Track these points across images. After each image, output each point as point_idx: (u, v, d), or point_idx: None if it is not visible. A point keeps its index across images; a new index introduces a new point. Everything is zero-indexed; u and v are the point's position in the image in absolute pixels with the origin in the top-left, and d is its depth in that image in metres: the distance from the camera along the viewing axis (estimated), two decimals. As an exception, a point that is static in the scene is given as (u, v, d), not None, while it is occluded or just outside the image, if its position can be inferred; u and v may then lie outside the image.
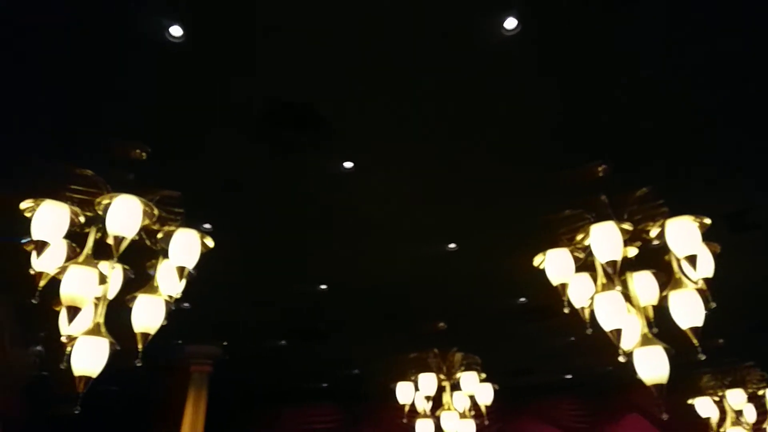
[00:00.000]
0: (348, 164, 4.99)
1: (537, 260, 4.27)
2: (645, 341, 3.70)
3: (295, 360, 10.06)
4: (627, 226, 3.88)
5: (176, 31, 3.74)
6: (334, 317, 8.37)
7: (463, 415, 6.77)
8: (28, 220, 3.58)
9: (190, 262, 3.87)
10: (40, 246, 3.54)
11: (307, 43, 3.89)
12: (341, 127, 4.61)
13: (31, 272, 3.63)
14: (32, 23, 3.73)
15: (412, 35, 3.84)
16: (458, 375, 6.87)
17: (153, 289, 3.92)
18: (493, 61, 4.04)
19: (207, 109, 4.43)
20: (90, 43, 3.86)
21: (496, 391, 6.92)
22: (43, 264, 3.65)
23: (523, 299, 7.72)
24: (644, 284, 4.00)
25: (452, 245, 6.44)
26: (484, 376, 6.89)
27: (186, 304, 4.09)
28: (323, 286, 7.34)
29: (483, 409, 6.86)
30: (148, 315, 3.85)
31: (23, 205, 3.62)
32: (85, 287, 3.54)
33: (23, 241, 3.69)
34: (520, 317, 8.15)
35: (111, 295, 3.82)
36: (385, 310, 8.04)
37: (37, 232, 3.53)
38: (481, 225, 6.07)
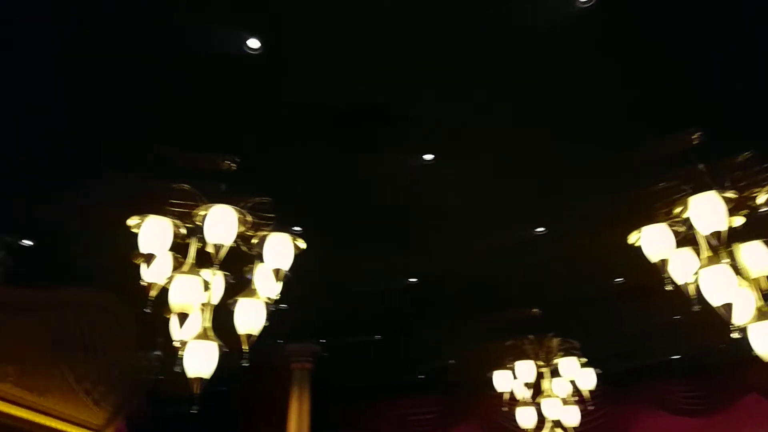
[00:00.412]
0: (428, 156, 5.00)
1: (632, 238, 4.09)
2: (760, 315, 3.46)
3: (391, 353, 10.18)
4: (730, 195, 3.63)
5: (254, 43, 3.90)
6: (426, 309, 8.41)
7: (565, 401, 6.60)
8: (135, 236, 3.83)
9: (285, 264, 4.00)
10: (148, 258, 3.77)
11: (378, 43, 3.93)
12: (418, 121, 4.62)
13: (142, 284, 3.87)
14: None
15: (482, 19, 3.80)
16: (556, 361, 6.71)
17: (252, 293, 4.08)
18: (568, 39, 3.92)
19: (286, 114, 4.58)
20: (175, 63, 4.09)
21: (598, 376, 6.70)
22: (153, 275, 3.89)
23: (619, 279, 7.42)
24: (755, 254, 3.74)
25: (540, 229, 6.29)
26: (584, 360, 6.68)
27: (284, 305, 4.20)
28: (413, 279, 7.39)
29: (586, 394, 6.67)
30: (250, 317, 4.02)
31: (130, 221, 3.86)
32: (191, 294, 3.75)
33: (133, 255, 3.93)
34: (618, 298, 7.83)
35: (215, 301, 4.04)
36: (476, 299, 7.98)
37: (144, 246, 3.77)
38: (570, 206, 5.90)
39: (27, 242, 4.57)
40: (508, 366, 6.79)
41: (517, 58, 4.13)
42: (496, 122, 4.72)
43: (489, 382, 6.91)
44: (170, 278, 3.77)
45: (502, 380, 6.83)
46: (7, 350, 1.85)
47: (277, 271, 3.99)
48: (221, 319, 3.88)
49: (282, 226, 4.07)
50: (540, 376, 6.69)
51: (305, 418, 9.46)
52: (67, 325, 1.95)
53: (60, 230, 6.09)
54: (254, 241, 4.11)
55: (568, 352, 6.69)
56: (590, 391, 6.66)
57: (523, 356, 6.70)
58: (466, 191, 5.62)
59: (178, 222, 3.95)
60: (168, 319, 3.88)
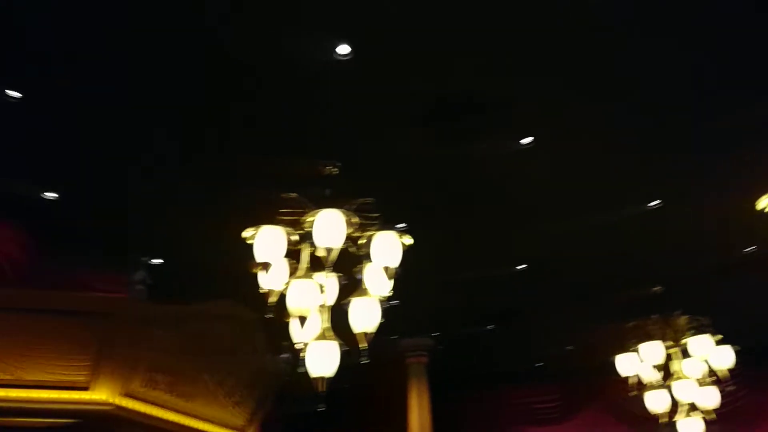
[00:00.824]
0: (527, 139, 4.89)
1: (762, 203, 3.76)
2: None
3: (507, 342, 10.03)
4: None
5: (343, 49, 4.00)
6: (538, 295, 8.21)
7: (702, 383, 6.18)
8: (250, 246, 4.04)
9: (393, 261, 4.06)
10: (265, 266, 3.96)
11: (467, 35, 3.91)
12: (515, 105, 4.53)
13: (262, 291, 4.08)
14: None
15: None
16: (686, 340, 6.31)
17: (364, 292, 4.18)
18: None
19: (379, 114, 4.65)
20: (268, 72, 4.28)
21: (737, 353, 6.21)
22: (270, 282, 4.09)
23: (751, 248, 6.84)
24: None
25: (655, 202, 5.95)
26: (719, 337, 6.22)
27: (396, 301, 4.27)
28: (522, 266, 7.25)
29: (723, 374, 6.22)
30: (364, 315, 4.11)
31: (245, 233, 4.08)
32: (308, 298, 3.91)
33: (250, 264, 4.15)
34: (750, 267, 7.22)
35: (330, 302, 4.18)
36: (592, 281, 7.67)
37: (260, 255, 3.97)
38: (683, 175, 5.53)
39: (157, 260, 4.99)
40: (632, 349, 6.46)
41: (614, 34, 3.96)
42: (594, 99, 4.52)
43: (612, 366, 6.62)
44: (287, 284, 3.95)
45: (626, 364, 6.52)
46: (156, 361, 2.04)
47: (386, 269, 4.05)
48: (339, 319, 4.00)
49: (387, 225, 4.14)
50: (668, 357, 6.30)
51: (426, 411, 9.56)
52: (205, 334, 2.12)
53: (184, 247, 6.67)
54: (362, 241, 4.21)
55: (699, 330, 6.26)
56: (728, 371, 6.19)
57: (648, 337, 6.35)
58: (570, 171, 5.44)
59: (289, 229, 4.13)
60: (288, 323, 4.07)
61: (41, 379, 1.97)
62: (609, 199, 5.89)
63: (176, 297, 2.13)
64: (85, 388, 1.96)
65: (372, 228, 4.15)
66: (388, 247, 4.07)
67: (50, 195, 6.21)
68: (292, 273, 4.14)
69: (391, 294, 4.34)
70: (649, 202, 5.96)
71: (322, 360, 3.89)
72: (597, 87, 4.44)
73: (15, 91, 4.79)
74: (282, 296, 3.96)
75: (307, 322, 3.86)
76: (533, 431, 11.55)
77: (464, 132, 4.86)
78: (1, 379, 1.98)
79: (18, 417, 1.99)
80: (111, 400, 1.96)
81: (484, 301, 8.41)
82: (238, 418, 2.47)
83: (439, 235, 6.40)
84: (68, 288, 6.35)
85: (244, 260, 4.02)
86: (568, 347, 10.17)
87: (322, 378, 3.84)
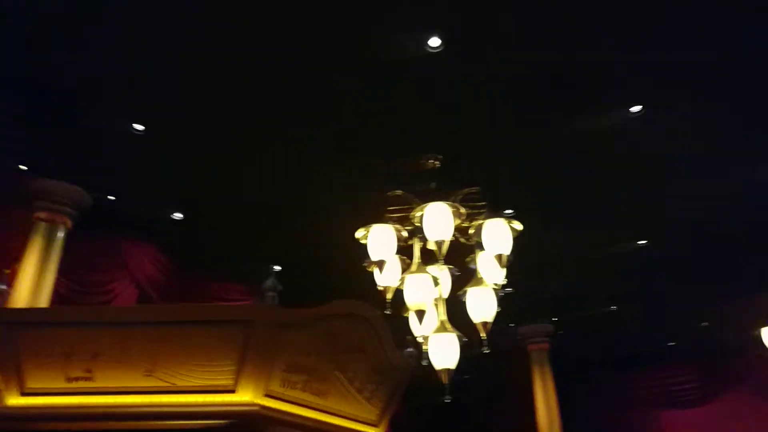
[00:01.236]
0: (635, 108, 4.62)
1: None
2: None
3: (633, 322, 9.54)
4: None
5: (434, 42, 3.99)
6: (662, 271, 7.73)
7: None
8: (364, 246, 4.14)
9: (505, 248, 4.00)
10: (380, 265, 4.04)
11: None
12: (619, 75, 4.31)
13: (379, 288, 4.17)
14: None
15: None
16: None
17: (479, 281, 4.15)
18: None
19: (480, 100, 4.60)
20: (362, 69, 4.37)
21: None
22: (386, 279, 4.17)
23: None
24: None
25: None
26: None
27: (509, 289, 4.20)
28: (642, 242, 6.87)
29: None
30: (481, 305, 4.09)
31: (358, 234, 4.19)
32: (424, 292, 3.93)
33: (364, 263, 4.26)
34: None
35: (446, 294, 4.19)
36: (720, 250, 7.11)
37: (374, 254, 4.05)
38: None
39: (276, 267, 5.29)
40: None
41: None
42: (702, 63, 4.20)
43: (757, 340, 6.09)
44: (402, 279, 4.01)
45: (773, 337, 5.99)
46: (292, 362, 2.16)
47: (499, 257, 3.99)
48: (457, 310, 4.00)
49: (496, 212, 4.09)
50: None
51: (552, 397, 9.31)
52: (334, 333, 2.22)
53: (304, 251, 7.00)
54: (471, 231, 4.19)
55: None
56: None
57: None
58: (684, 138, 5.07)
59: (398, 226, 4.19)
60: (407, 318, 4.13)
61: (192, 384, 2.14)
62: (727, 165, 5.44)
63: (303, 300, 2.26)
64: (232, 391, 2.11)
65: (480, 217, 4.11)
66: (498, 235, 4.01)
67: (177, 215, 6.77)
68: (405, 269, 4.20)
69: (506, 281, 4.28)
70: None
71: (444, 352, 3.90)
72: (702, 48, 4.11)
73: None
74: (398, 292, 4.03)
75: (425, 316, 3.89)
76: (670, 415, 10.92)
77: (570, 106, 4.67)
78: (158, 387, 2.17)
79: (174, 420, 2.18)
80: (256, 401, 2.09)
81: (603, 283, 8.06)
82: (371, 413, 2.55)
83: (551, 217, 6.23)
84: (201, 300, 6.94)
85: (360, 259, 4.11)
86: (703, 323, 9.49)
87: (446, 370, 3.86)
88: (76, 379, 2.22)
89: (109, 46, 4.38)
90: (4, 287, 2.43)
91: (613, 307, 8.84)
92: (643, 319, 9.42)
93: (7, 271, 2.76)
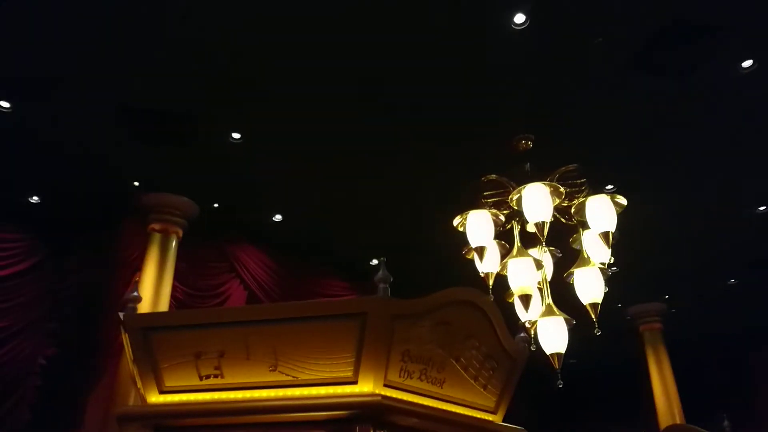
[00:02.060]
0: (747, 63, 4.28)
1: None
2: None
3: (753, 296, 8.86)
4: None
5: (519, 18, 3.90)
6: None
7: None
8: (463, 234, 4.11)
9: (610, 225, 3.83)
10: (480, 251, 4.00)
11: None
12: (730, 29, 4.01)
13: (481, 275, 4.12)
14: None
15: None
16: None
17: (585, 261, 4.00)
18: None
19: (573, 74, 4.44)
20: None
21: None
22: (487, 265, 4.12)
23: None
24: None
25: None
26: None
27: (615, 268, 4.03)
28: (762, 208, 6.36)
29: None
30: (589, 286, 3.94)
31: (455, 221, 4.16)
32: (527, 275, 3.85)
33: (464, 251, 4.23)
34: None
35: (549, 277, 4.08)
36: None
37: (473, 240, 4.01)
38: None
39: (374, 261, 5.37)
40: None
41: None
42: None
43: None
44: (503, 265, 3.94)
45: None
46: (408, 351, 2.19)
47: (604, 235, 3.83)
48: (565, 293, 3.90)
49: (597, 188, 3.93)
50: None
51: (669, 378, 8.86)
52: (446, 321, 2.24)
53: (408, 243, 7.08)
54: (572, 210, 4.05)
55: None
56: None
57: None
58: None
59: (495, 211, 4.12)
60: (513, 303, 4.06)
61: (314, 377, 2.23)
62: None
63: (410, 291, 2.30)
64: (353, 382, 2.17)
65: (581, 195, 3.96)
66: (602, 212, 3.85)
67: (277, 217, 7.05)
68: (505, 254, 4.13)
69: (612, 260, 4.11)
70: None
71: (553, 336, 3.80)
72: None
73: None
74: (500, 278, 3.97)
75: (530, 301, 3.81)
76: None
77: (675, 66, 4.40)
78: (282, 381, 2.28)
79: (299, 413, 2.28)
80: (376, 391, 2.14)
81: (721, 255, 7.54)
82: (488, 401, 2.54)
83: (658, 189, 5.91)
84: (306, 297, 7.19)
85: (460, 247, 4.10)
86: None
87: (557, 354, 3.76)
88: (207, 376, 2.37)
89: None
90: (136, 294, 2.63)
91: (732, 281, 8.25)
92: (763, 291, 8.73)
93: (137, 279, 3.00)
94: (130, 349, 2.45)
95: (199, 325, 2.45)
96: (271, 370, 2.28)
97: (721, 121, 5.04)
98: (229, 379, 2.34)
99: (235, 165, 6.05)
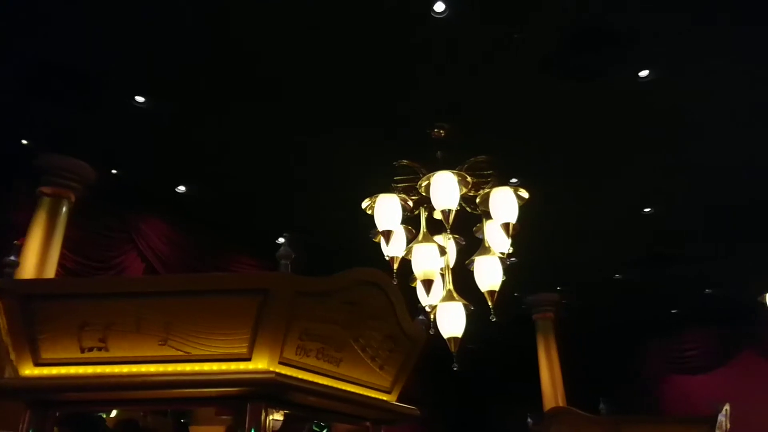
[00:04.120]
0: (643, 73, 4.57)
1: None
2: None
3: (639, 291, 9.59)
4: None
5: (439, 7, 3.93)
6: (671, 239, 7.75)
7: None
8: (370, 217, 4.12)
9: (512, 217, 3.98)
10: (386, 235, 4.03)
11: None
12: (640, 37, 4.26)
13: (386, 258, 4.16)
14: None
15: None
16: None
17: (486, 250, 4.14)
18: None
19: (489, 67, 4.54)
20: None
21: None
22: (393, 249, 4.16)
23: None
24: None
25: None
26: None
27: (513, 259, 4.20)
28: (648, 209, 6.86)
29: None
30: (488, 274, 4.09)
31: (363, 204, 4.17)
32: (431, 261, 3.93)
33: (371, 234, 4.25)
34: None
35: (452, 263, 4.19)
36: (727, 218, 7.11)
37: (381, 224, 4.04)
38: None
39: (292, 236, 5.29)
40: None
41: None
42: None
43: (764, 306, 6.12)
44: (408, 249, 4.00)
45: (779, 303, 6.00)
46: (307, 330, 2.17)
47: (506, 226, 3.98)
48: (464, 280, 4.01)
49: (502, 181, 4.06)
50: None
51: (555, 365, 9.43)
52: (348, 302, 2.23)
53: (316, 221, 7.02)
54: (478, 200, 4.17)
55: None
56: None
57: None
58: (696, 103, 5.02)
59: (404, 196, 4.16)
60: (415, 288, 4.14)
61: (207, 353, 2.15)
62: (748, 121, 5.40)
63: (316, 269, 2.28)
64: (247, 359, 2.12)
65: (487, 186, 4.08)
66: (505, 204, 3.99)
67: (180, 188, 6.77)
68: (413, 239, 4.19)
69: (512, 251, 4.27)
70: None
71: (451, 321, 3.92)
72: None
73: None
74: (405, 262, 4.02)
75: (432, 286, 3.89)
76: (681, 381, 11.06)
77: (583, 69, 4.62)
78: (172, 356, 2.18)
79: (190, 388, 2.20)
80: (271, 369, 2.10)
81: (608, 251, 8.08)
82: (384, 380, 2.58)
83: (558, 185, 6.22)
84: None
85: (368, 230, 4.11)
86: (708, 290, 9.54)
87: (454, 338, 3.88)
88: (90, 349, 2.23)
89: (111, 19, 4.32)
90: (14, 259, 2.42)
91: (617, 276, 8.87)
92: (650, 286, 9.47)
93: (17, 242, 2.77)
94: (5, 319, 2.25)
95: (85, 295, 2.29)
96: (160, 345, 2.17)
97: (620, 125, 5.36)
98: (114, 353, 2.21)
99: (137, 130, 5.73)
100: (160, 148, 6.05)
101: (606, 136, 5.53)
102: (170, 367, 2.19)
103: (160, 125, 5.61)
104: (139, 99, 5.25)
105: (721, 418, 6.37)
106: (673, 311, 10.61)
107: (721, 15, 4.13)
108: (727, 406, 6.57)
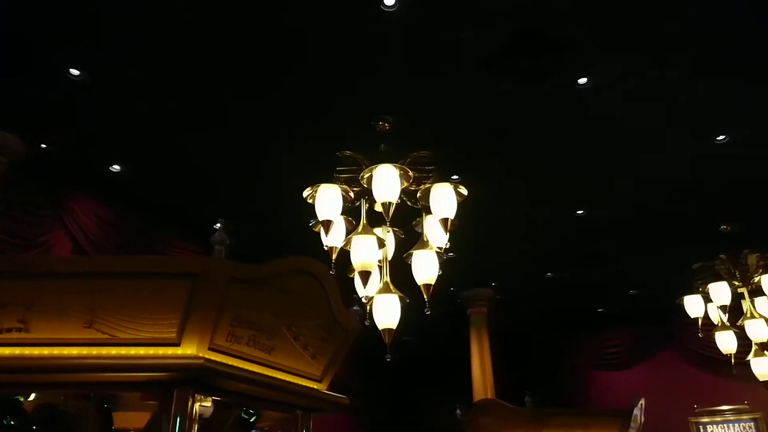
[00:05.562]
0: (582, 80, 4.75)
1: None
2: None
3: (569, 290, 9.98)
4: None
5: (389, 0, 3.94)
6: (600, 242, 8.09)
7: (772, 322, 6.00)
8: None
9: (450, 212, 4.05)
10: (326, 225, 4.03)
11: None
12: (578, 45, 4.40)
13: (325, 248, 4.16)
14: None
15: None
16: (757, 278, 6.09)
17: (424, 244, 4.21)
18: None
19: (437, 60, 4.59)
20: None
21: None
22: (332, 240, 4.17)
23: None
24: None
25: (721, 137, 5.70)
26: (790, 275, 5.98)
27: (451, 254, 4.28)
28: (579, 212, 7.14)
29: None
30: (425, 268, 4.15)
31: (305, 193, 4.15)
32: (369, 253, 3.96)
33: (311, 223, 4.24)
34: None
35: (390, 256, 4.24)
36: (655, 223, 7.49)
37: (321, 214, 4.04)
38: (753, 109, 5.26)
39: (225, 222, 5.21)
40: (700, 290, 6.30)
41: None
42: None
43: (681, 309, 6.49)
44: (347, 240, 4.02)
45: (693, 305, 6.37)
46: (239, 316, 2.15)
47: (444, 221, 4.05)
48: (402, 273, 4.07)
49: (443, 176, 4.13)
50: (740, 296, 6.13)
51: (486, 358, 9.69)
52: (282, 290, 2.23)
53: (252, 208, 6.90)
54: (419, 195, 4.22)
55: (770, 268, 6.03)
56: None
57: (717, 277, 6.17)
58: (632, 110, 5.25)
59: (346, 187, 4.17)
60: (353, 278, 4.16)
61: (134, 337, 2.10)
62: (669, 137, 5.69)
63: (253, 257, 2.26)
64: (176, 344, 2.09)
65: (428, 181, 4.14)
66: (445, 199, 4.06)
67: (115, 167, 6.52)
68: (351, 230, 4.21)
69: (449, 245, 4.35)
70: (716, 137, 5.72)
71: (387, 312, 3.96)
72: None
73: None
74: (344, 252, 4.04)
75: (369, 277, 3.92)
76: (602, 377, 11.57)
77: (525, 73, 4.75)
78: (97, 339, 2.13)
79: (115, 372, 2.15)
80: (200, 354, 2.08)
81: (542, 251, 8.36)
82: (315, 369, 2.60)
83: (497, 184, 6.38)
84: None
85: (308, 219, 4.10)
86: (632, 291, 10.03)
87: (388, 329, 3.93)
88: (9, 330, 2.14)
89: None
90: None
91: (549, 274, 9.19)
92: (578, 286, 9.87)
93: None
94: None
95: (4, 274, 2.20)
96: (85, 327, 2.11)
97: (557, 129, 5.55)
98: (35, 334, 2.13)
99: (71, 104, 5.48)
100: (95, 124, 5.81)
101: (543, 139, 5.71)
102: (94, 351, 2.14)
103: (96, 100, 5.39)
104: (74, 72, 5.02)
105: (637, 412, 6.74)
106: (599, 310, 11.09)
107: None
108: (642, 401, 6.95)
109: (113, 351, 2.12)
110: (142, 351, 2.12)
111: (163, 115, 5.63)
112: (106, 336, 2.12)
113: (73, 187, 6.71)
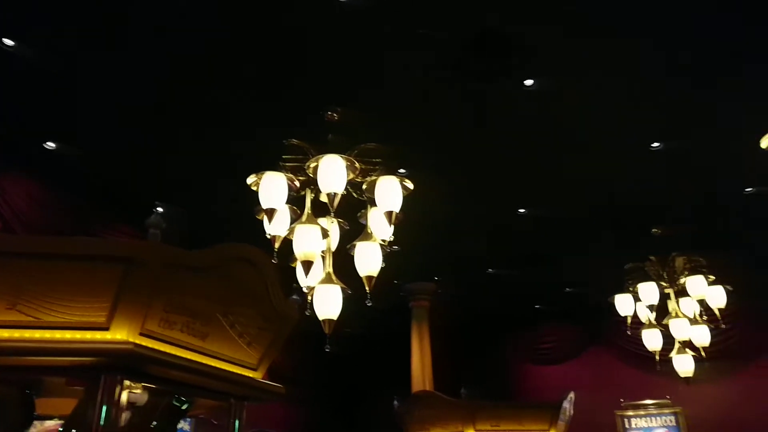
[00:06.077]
0: (528, 81, 4.86)
1: (765, 142, 3.78)
2: None
3: (508, 286, 10.21)
4: None
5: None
6: (539, 240, 8.32)
7: (694, 321, 6.34)
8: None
9: (395, 206, 4.08)
10: (270, 213, 3.98)
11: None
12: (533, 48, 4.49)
13: (268, 236, 4.12)
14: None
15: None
16: (683, 280, 6.42)
17: (368, 236, 4.22)
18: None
19: (392, 57, 4.60)
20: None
21: (730, 293, 6.34)
22: (275, 228, 4.12)
23: (750, 189, 6.88)
24: None
25: (656, 144, 5.95)
26: (712, 278, 6.33)
27: (395, 247, 4.32)
28: (522, 210, 7.32)
29: (717, 313, 6.36)
30: (368, 260, 4.16)
31: (249, 180, 4.09)
32: (312, 243, 3.94)
33: (254, 210, 4.18)
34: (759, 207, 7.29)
35: (334, 247, 4.23)
36: (593, 224, 7.77)
37: (265, 202, 3.99)
38: (685, 114, 5.52)
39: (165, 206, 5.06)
40: (630, 289, 6.58)
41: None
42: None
43: (612, 307, 6.76)
44: (291, 229, 3.99)
45: (624, 304, 6.65)
46: (173, 302, 2.11)
47: (389, 214, 4.07)
48: (345, 264, 4.07)
49: (389, 170, 4.15)
50: (666, 297, 6.44)
51: (426, 351, 9.84)
52: (219, 277, 2.19)
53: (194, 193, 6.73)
54: (364, 186, 4.23)
55: (694, 271, 6.36)
56: (720, 310, 6.33)
57: (646, 278, 6.46)
58: (578, 112, 5.41)
59: (291, 176, 4.14)
60: (295, 268, 4.13)
61: (61, 320, 2.03)
62: (611, 141, 5.90)
63: (190, 242, 2.21)
64: (105, 329, 2.03)
65: (374, 173, 4.15)
66: (390, 192, 4.08)
67: (51, 145, 6.23)
68: (295, 219, 4.18)
69: (393, 238, 4.38)
70: (651, 144, 5.97)
71: (328, 303, 3.96)
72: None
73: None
74: (288, 241, 4.01)
75: (312, 267, 3.91)
76: (536, 371, 11.92)
77: (475, 72, 4.82)
78: (20, 321, 2.04)
79: (40, 356, 2.07)
80: (130, 339, 2.03)
81: (485, 248, 8.53)
82: (251, 357, 2.57)
83: (443, 180, 6.46)
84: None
85: (251, 206, 4.04)
86: (567, 289, 10.37)
87: (329, 320, 3.93)
88: (-77, 310, 2.03)
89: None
90: None
91: (490, 270, 9.40)
92: (517, 283, 10.13)
93: None
94: None
95: None
96: (8, 309, 2.02)
97: (504, 129, 5.67)
98: (-48, 315, 2.03)
99: (6, 77, 5.20)
100: (29, 97, 5.53)
101: (490, 138, 5.82)
102: (17, 333, 2.06)
103: (31, 72, 5.13)
104: (8, 42, 4.76)
105: (566, 404, 7.00)
106: (536, 306, 11.43)
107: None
108: (571, 394, 7.22)
109: (37, 334, 2.05)
110: (68, 335, 2.05)
111: (104, 90, 5.41)
112: (30, 318, 2.04)
113: (4, 164, 6.37)
